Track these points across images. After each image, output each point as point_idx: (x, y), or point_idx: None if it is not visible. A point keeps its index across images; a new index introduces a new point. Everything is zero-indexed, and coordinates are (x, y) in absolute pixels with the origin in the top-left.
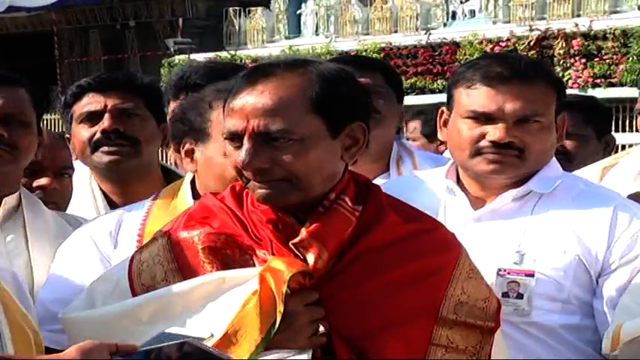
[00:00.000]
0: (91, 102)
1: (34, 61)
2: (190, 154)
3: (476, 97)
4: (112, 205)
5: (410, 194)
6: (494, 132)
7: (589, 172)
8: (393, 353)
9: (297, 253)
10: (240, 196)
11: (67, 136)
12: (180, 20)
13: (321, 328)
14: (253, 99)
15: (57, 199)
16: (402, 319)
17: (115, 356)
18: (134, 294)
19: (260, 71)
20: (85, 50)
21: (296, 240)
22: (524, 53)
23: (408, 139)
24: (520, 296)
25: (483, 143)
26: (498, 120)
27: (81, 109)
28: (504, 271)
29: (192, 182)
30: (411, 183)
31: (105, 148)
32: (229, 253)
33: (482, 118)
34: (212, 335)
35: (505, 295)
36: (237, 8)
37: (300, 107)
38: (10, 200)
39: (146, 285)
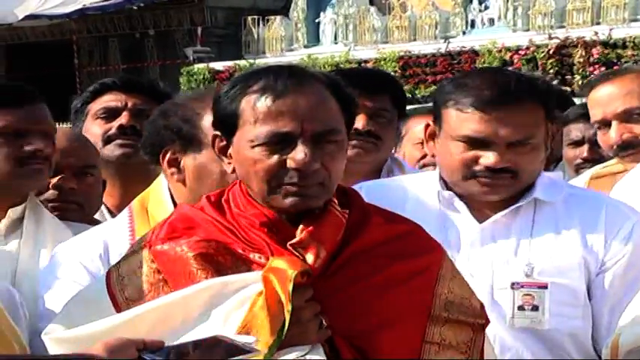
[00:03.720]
0: (111, 99)
1: (54, 70)
2: (174, 163)
3: (468, 121)
4: (107, 210)
5: (391, 200)
6: (488, 157)
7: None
8: (388, 351)
9: (296, 253)
10: (220, 205)
11: None
12: (199, 29)
13: (325, 322)
14: (304, 100)
15: (78, 199)
16: (395, 318)
17: (143, 352)
18: (118, 310)
19: (290, 74)
20: (104, 59)
21: (295, 241)
22: (544, 61)
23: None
24: (535, 308)
25: (477, 167)
26: (491, 144)
27: (100, 105)
28: (518, 284)
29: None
30: (390, 189)
31: (118, 141)
32: (222, 260)
33: (475, 142)
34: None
35: (521, 308)
36: (256, 17)
37: (338, 110)
38: (15, 211)
39: (132, 299)
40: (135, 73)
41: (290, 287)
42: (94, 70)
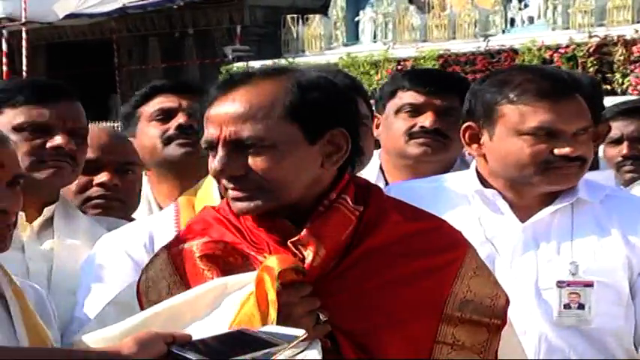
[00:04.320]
0: (164, 101)
1: (94, 69)
2: None
3: (536, 113)
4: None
5: (422, 201)
6: (564, 147)
7: None
8: (395, 351)
9: (296, 251)
10: None
11: (131, 138)
12: (239, 28)
13: (323, 318)
14: (226, 107)
15: (121, 195)
16: (404, 317)
17: (172, 346)
18: None
19: (235, 80)
20: (144, 58)
21: (294, 239)
22: (584, 60)
23: None
24: (581, 307)
25: (553, 158)
26: (560, 134)
27: (153, 108)
28: (564, 283)
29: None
30: (420, 189)
31: (180, 141)
32: (231, 261)
33: (545, 133)
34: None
35: (567, 306)
36: (295, 15)
37: (273, 113)
38: (50, 210)
39: (153, 301)
40: (174, 72)
41: (276, 283)
42: (133, 69)
